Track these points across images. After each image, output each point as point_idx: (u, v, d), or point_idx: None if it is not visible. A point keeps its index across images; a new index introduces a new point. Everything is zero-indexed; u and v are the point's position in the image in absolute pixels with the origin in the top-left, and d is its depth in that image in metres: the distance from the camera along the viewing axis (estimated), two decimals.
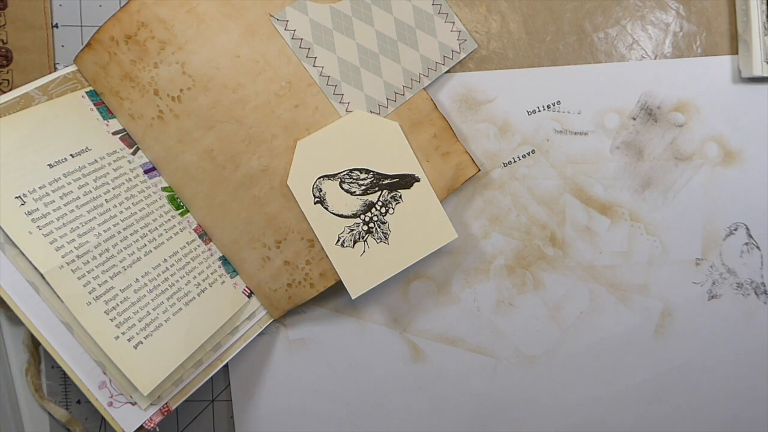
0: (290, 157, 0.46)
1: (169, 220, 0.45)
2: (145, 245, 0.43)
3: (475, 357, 0.50)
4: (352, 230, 0.46)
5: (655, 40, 0.48)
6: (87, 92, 0.44)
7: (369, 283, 0.46)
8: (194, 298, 0.44)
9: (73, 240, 0.40)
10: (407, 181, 0.46)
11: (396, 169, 0.46)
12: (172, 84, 0.44)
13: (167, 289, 0.43)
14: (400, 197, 0.46)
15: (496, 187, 0.49)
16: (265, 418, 0.51)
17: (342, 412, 0.51)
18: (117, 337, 0.40)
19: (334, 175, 0.46)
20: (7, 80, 0.47)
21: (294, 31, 0.45)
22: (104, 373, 0.41)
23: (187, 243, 0.46)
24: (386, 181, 0.46)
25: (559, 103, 0.48)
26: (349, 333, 0.50)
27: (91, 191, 0.42)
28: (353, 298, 0.46)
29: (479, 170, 0.48)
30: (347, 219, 0.46)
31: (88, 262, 0.40)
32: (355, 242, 0.46)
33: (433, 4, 0.47)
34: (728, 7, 0.47)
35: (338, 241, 0.46)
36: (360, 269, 0.46)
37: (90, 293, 0.40)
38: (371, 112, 0.46)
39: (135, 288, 0.42)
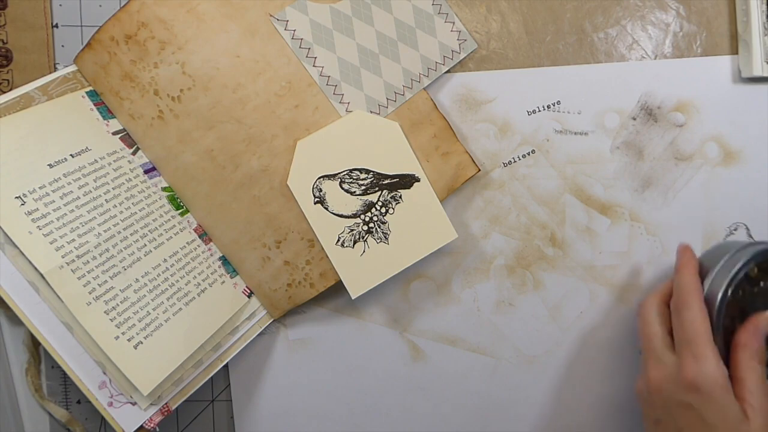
0: (290, 157, 0.46)
1: (169, 220, 0.45)
2: (145, 245, 0.43)
3: (475, 357, 0.50)
4: (352, 230, 0.46)
5: (655, 40, 0.48)
6: (87, 92, 0.44)
7: (369, 283, 0.46)
8: (194, 298, 0.44)
9: (73, 240, 0.40)
10: (407, 181, 0.46)
11: (396, 169, 0.46)
12: (172, 84, 0.44)
13: (167, 289, 0.43)
14: (400, 197, 0.46)
15: (496, 187, 0.49)
16: (265, 418, 0.51)
17: (342, 412, 0.51)
18: (117, 337, 0.40)
19: (334, 175, 0.46)
20: (7, 80, 0.47)
21: (294, 31, 0.45)
22: (104, 373, 0.41)
23: (187, 243, 0.46)
24: (386, 181, 0.46)
25: (559, 103, 0.48)
26: (349, 333, 0.50)
27: (91, 191, 0.42)
28: (353, 298, 0.46)
29: (479, 170, 0.48)
30: (347, 219, 0.46)
31: (88, 262, 0.40)
32: (355, 242, 0.46)
33: (433, 4, 0.47)
34: (728, 7, 0.47)
35: (338, 241, 0.46)
36: (360, 269, 0.46)
37: (90, 293, 0.40)
38: (371, 112, 0.46)
39: (135, 288, 0.42)
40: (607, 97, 0.48)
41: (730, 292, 0.41)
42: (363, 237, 0.46)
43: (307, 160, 0.46)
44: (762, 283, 0.42)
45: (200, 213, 0.47)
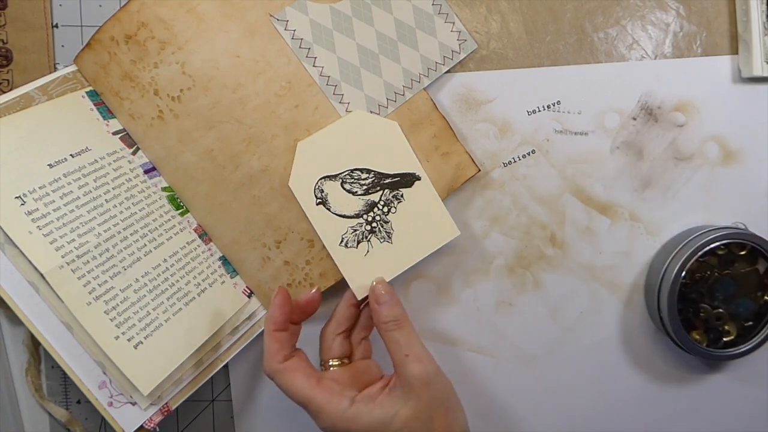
0: (290, 158, 0.46)
1: (169, 220, 0.45)
2: (145, 245, 0.43)
3: (475, 357, 0.50)
4: (355, 230, 0.46)
5: (655, 40, 0.48)
6: (87, 92, 0.44)
7: None
8: (194, 298, 0.44)
9: (73, 240, 0.40)
10: (408, 179, 0.46)
11: (396, 169, 0.46)
12: (172, 84, 0.44)
13: (167, 289, 0.43)
14: (402, 196, 0.46)
15: (496, 187, 0.49)
16: (265, 418, 0.51)
17: None
18: (117, 337, 0.40)
19: (335, 176, 0.46)
20: (7, 80, 0.47)
21: (294, 31, 0.45)
22: (104, 373, 0.41)
23: (187, 243, 0.46)
24: (387, 181, 0.46)
25: (559, 103, 0.48)
26: None
27: (91, 191, 0.42)
28: (359, 299, 0.46)
29: (479, 170, 0.48)
30: (350, 219, 0.46)
31: (88, 262, 0.40)
32: (358, 242, 0.46)
33: (433, 4, 0.47)
34: (728, 7, 0.47)
35: (341, 241, 0.46)
36: (365, 269, 0.46)
37: (90, 293, 0.40)
38: (371, 112, 0.46)
39: (135, 288, 0.42)
40: (607, 97, 0.48)
41: (685, 270, 0.45)
42: (366, 237, 0.46)
43: (307, 161, 0.46)
44: (735, 265, 0.46)
45: (200, 213, 0.47)
